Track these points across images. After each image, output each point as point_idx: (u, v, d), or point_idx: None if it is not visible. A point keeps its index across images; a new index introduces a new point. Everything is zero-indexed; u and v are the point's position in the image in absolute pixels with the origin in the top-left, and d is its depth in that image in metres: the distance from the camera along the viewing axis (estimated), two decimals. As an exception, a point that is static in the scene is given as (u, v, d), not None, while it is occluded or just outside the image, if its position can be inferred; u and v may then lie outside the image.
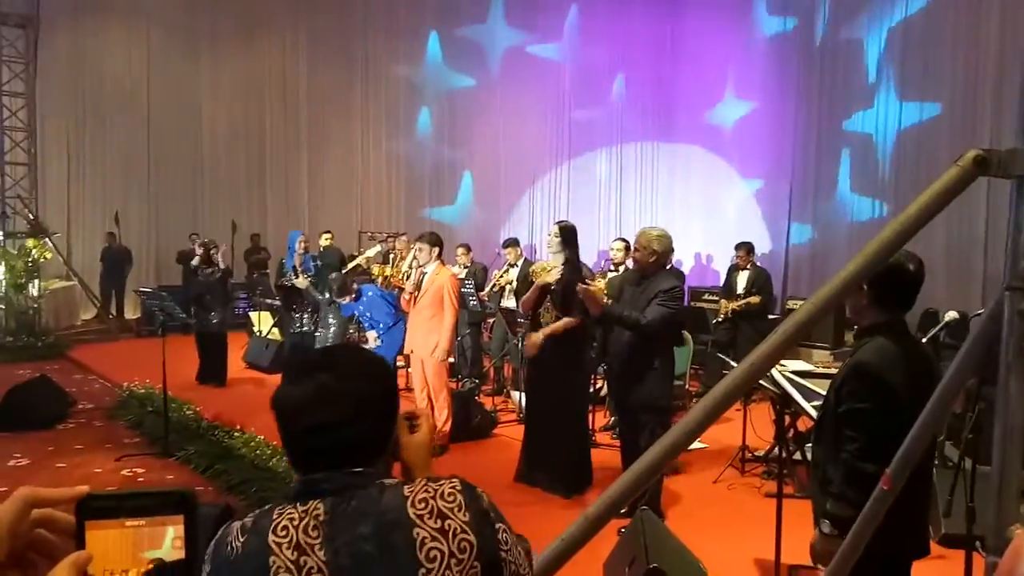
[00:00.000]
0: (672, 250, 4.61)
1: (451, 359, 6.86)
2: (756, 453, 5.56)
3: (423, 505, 1.12)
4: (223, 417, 6.22)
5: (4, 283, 10.39)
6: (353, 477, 1.15)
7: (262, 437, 5.68)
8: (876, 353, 2.26)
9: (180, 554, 0.64)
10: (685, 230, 11.15)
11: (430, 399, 5.85)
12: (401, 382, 7.90)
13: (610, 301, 4.44)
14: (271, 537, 1.08)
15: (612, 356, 4.67)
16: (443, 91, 14.83)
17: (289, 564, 1.06)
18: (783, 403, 3.91)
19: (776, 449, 4.66)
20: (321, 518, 1.10)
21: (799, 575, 3.66)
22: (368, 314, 6.20)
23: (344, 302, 6.81)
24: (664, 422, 4.31)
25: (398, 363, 8.74)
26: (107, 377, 8.42)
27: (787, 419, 4.59)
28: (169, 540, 0.64)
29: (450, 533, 1.10)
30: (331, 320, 7.06)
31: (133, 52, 13.17)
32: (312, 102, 14.69)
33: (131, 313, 12.34)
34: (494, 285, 7.91)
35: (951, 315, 4.06)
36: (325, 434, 1.16)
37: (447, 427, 5.83)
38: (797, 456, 5.10)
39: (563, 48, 14.44)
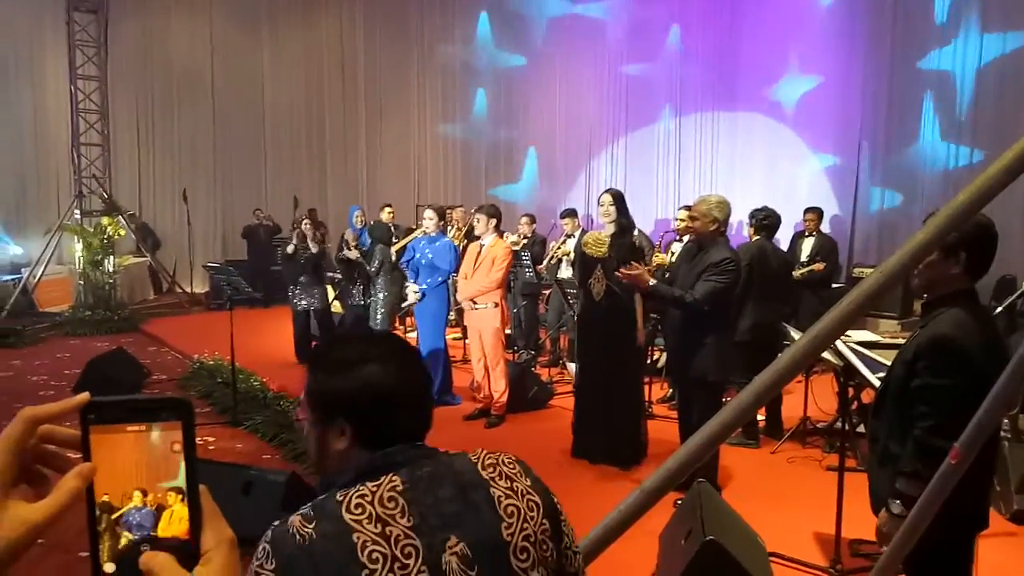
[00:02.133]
0: (728, 219, 4.46)
1: (507, 330, 6.89)
2: (817, 425, 5.45)
3: (492, 469, 1.19)
4: (288, 388, 6.42)
5: (82, 260, 10.87)
6: (419, 449, 1.20)
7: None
8: (956, 325, 2.15)
9: (180, 468, 0.65)
10: (744, 201, 10.84)
11: (487, 369, 5.92)
12: (458, 353, 8.01)
13: (653, 282, 4.33)
14: (347, 516, 1.09)
15: (668, 329, 4.62)
16: (497, 69, 14.79)
17: (375, 537, 1.08)
18: (846, 375, 3.81)
19: (839, 421, 4.56)
20: (398, 488, 1.13)
21: (861, 550, 3.60)
22: (429, 255, 6.16)
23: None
24: (715, 398, 4.27)
25: (454, 335, 8.89)
26: (179, 350, 8.77)
27: (850, 391, 4.48)
28: (171, 451, 0.66)
29: (519, 492, 1.17)
30: (381, 294, 7.13)
31: (196, 33, 13.57)
32: (369, 79, 14.87)
33: (200, 287, 12.81)
34: (551, 256, 7.89)
35: (1029, 283, 3.87)
36: (415, 410, 1.23)
37: (504, 398, 5.90)
38: (860, 429, 4.98)
39: (612, 7, 14.09)
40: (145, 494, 0.65)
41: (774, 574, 3.16)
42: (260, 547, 1.10)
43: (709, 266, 4.16)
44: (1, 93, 12.16)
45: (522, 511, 1.16)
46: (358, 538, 1.07)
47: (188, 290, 12.62)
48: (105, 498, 0.64)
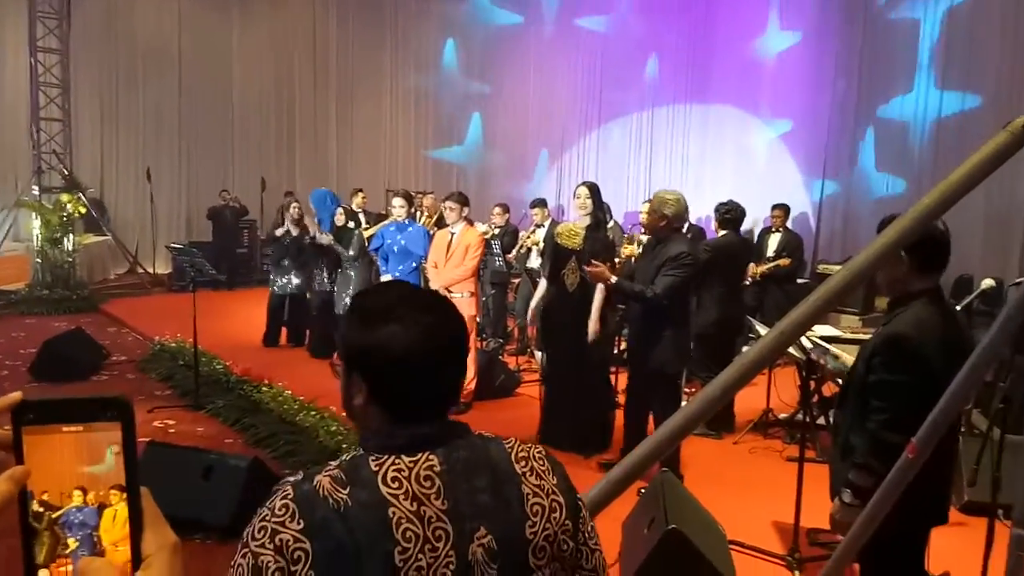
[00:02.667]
0: (685, 213, 4.52)
1: (477, 317, 6.88)
2: (779, 417, 5.55)
3: (524, 463, 1.17)
4: (251, 372, 6.34)
5: (40, 237, 10.59)
6: (454, 426, 1.16)
7: (289, 392, 5.79)
8: (913, 324, 2.21)
9: (120, 469, 0.63)
10: (715, 192, 10.91)
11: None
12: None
13: (614, 279, 4.43)
14: (383, 488, 1.07)
15: (629, 321, 4.69)
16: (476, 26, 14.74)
17: (410, 515, 1.06)
18: (808, 368, 3.88)
19: (800, 413, 4.65)
20: (435, 469, 1.10)
21: (819, 538, 3.68)
22: (402, 242, 6.12)
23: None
24: (674, 390, 4.42)
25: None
26: (139, 331, 8.61)
27: (812, 384, 4.56)
28: (111, 454, 0.63)
29: (545, 491, 1.16)
30: (351, 281, 7.04)
31: (164, 8, 13.20)
32: (341, 62, 14.68)
33: (163, 268, 12.56)
34: (521, 246, 7.89)
35: (987, 283, 3.97)
36: (434, 379, 1.14)
37: (472, 386, 5.88)
38: (820, 421, 5.08)
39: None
40: (86, 492, 0.62)
41: (734, 562, 3.22)
42: (279, 503, 1.05)
43: (667, 260, 4.24)
44: (-43, 65, 11.76)
45: (546, 510, 1.15)
46: (394, 513, 1.06)
47: (150, 270, 12.36)
48: (45, 497, 0.62)
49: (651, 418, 4.45)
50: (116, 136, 13.10)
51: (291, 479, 1.09)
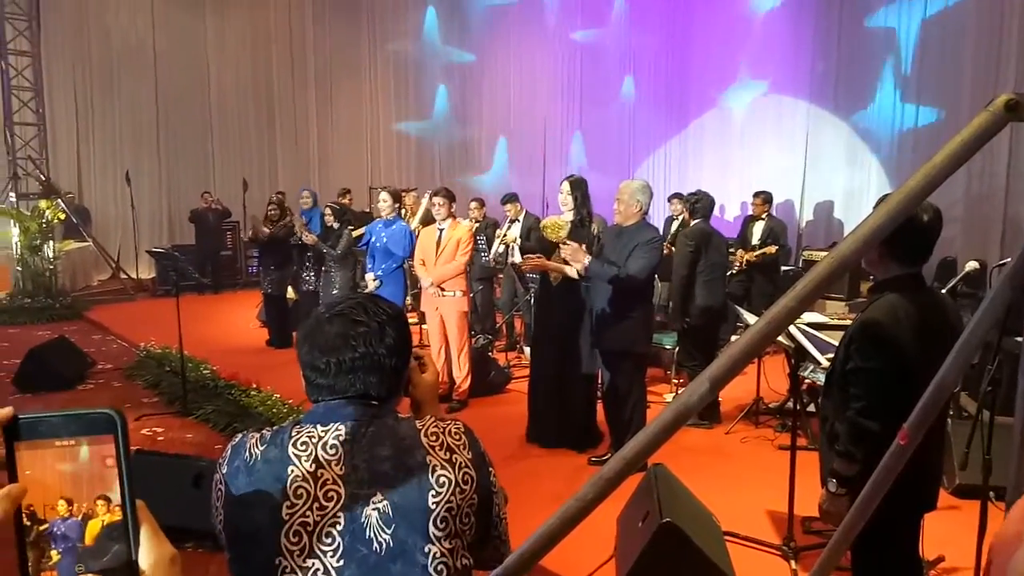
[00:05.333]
0: (650, 202, 4.66)
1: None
2: (770, 405, 5.57)
3: (435, 437, 1.24)
4: (239, 376, 6.29)
5: (19, 245, 10.44)
6: (371, 408, 1.27)
7: (278, 395, 5.75)
8: (885, 311, 2.20)
9: (104, 478, 0.62)
10: (697, 182, 10.93)
11: (447, 356, 5.87)
12: (416, 339, 7.96)
13: (588, 259, 4.47)
14: (291, 449, 1.20)
15: (594, 303, 4.71)
16: (451, 52, 14.69)
17: (307, 474, 1.17)
18: (797, 356, 3.88)
19: (790, 401, 4.66)
20: (342, 438, 1.21)
21: (812, 527, 3.69)
22: (385, 239, 6.06)
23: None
24: (640, 368, 4.68)
25: (412, 319, 8.81)
26: (124, 338, 8.52)
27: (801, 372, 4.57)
28: (97, 463, 0.63)
29: (456, 465, 1.22)
30: (335, 279, 6.97)
31: (137, 6, 13.01)
32: (319, 59, 14.55)
33: (146, 273, 12.43)
34: (499, 243, 7.77)
35: (971, 265, 3.98)
36: (352, 366, 1.27)
37: (467, 383, 5.85)
38: (811, 408, 5.10)
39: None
40: (71, 503, 0.62)
41: (729, 553, 3.22)
42: (227, 448, 1.25)
43: (639, 245, 4.37)
44: (-73, 70, 11.53)
45: (453, 483, 1.20)
46: (292, 471, 1.18)
47: (134, 276, 12.23)
48: (31, 509, 0.61)
49: (630, 406, 4.57)
50: (93, 139, 12.92)
51: (252, 430, 1.28)
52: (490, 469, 1.27)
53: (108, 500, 0.62)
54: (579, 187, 4.89)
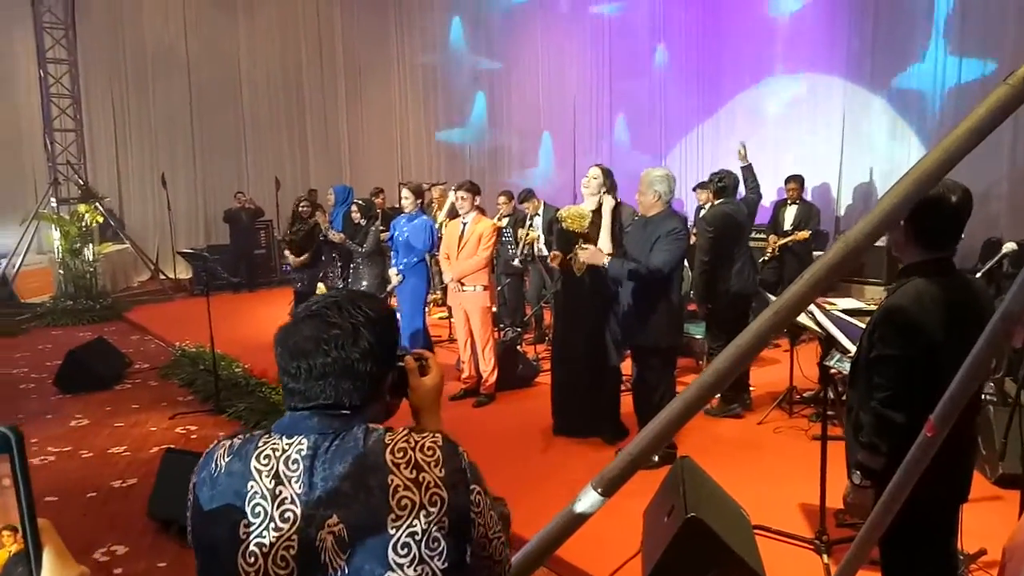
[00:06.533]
0: (674, 188, 4.51)
1: (492, 308, 6.80)
2: (804, 395, 5.43)
3: (401, 454, 1.13)
4: (269, 373, 6.35)
5: (60, 249, 10.71)
6: (339, 419, 1.17)
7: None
8: (910, 297, 2.10)
9: (8, 506, 0.59)
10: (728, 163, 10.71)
11: (473, 350, 5.86)
12: (444, 333, 7.95)
13: (607, 260, 4.39)
14: (253, 463, 1.14)
15: (620, 297, 4.66)
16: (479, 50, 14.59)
17: (266, 491, 1.12)
18: (827, 344, 3.77)
19: (822, 391, 4.53)
20: (303, 453, 1.14)
21: (846, 519, 3.57)
22: (407, 233, 6.07)
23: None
24: (669, 364, 4.52)
25: (440, 314, 8.80)
26: (161, 337, 8.67)
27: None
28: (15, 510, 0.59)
29: (423, 485, 1.11)
30: (363, 275, 6.97)
31: (169, 10, 13.23)
32: (348, 54, 14.63)
33: (184, 274, 12.67)
34: (523, 245, 7.64)
35: (1010, 246, 3.82)
36: (323, 371, 1.18)
37: (493, 377, 5.83)
38: (845, 397, 4.95)
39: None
40: None
41: (759, 547, 3.14)
42: (203, 455, 1.21)
43: (660, 237, 4.26)
44: (-31, 82, 11.89)
45: (417, 505, 1.09)
46: (251, 487, 1.13)
47: (172, 276, 12.46)
48: None
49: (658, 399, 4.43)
50: (129, 143, 13.22)
51: (227, 437, 1.22)
52: (472, 487, 1.14)
53: (15, 530, 0.59)
54: (606, 176, 4.86)
